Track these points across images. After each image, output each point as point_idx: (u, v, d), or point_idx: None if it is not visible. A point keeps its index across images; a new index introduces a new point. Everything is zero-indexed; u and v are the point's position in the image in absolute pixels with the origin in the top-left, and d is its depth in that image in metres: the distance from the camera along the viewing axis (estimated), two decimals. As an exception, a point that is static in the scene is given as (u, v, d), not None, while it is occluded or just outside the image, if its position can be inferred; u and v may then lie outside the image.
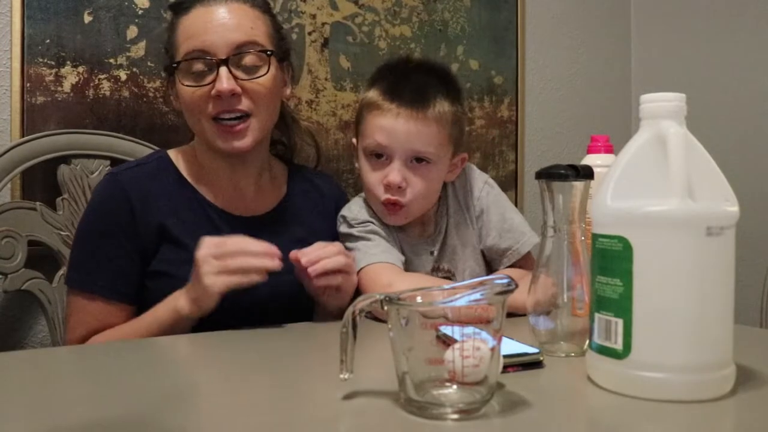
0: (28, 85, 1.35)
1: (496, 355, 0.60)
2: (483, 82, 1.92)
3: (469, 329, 0.57)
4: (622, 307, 0.65)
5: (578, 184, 0.81)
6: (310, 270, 0.96)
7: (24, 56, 1.35)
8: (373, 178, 1.11)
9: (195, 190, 1.12)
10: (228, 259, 0.92)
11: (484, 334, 0.58)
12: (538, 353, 0.76)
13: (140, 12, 1.46)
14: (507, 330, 0.63)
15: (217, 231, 1.07)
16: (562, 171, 0.80)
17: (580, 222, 0.82)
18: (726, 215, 0.64)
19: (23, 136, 1.32)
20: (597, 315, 0.68)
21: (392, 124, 1.07)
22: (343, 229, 1.17)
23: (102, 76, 1.42)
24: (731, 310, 0.65)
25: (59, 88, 1.38)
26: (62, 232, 1.30)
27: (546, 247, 0.82)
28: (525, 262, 1.18)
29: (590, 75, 2.15)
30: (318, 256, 0.98)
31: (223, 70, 1.04)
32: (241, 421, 0.60)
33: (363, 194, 1.18)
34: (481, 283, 0.60)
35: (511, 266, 1.18)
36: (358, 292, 1.05)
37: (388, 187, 1.09)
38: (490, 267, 1.21)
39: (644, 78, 2.20)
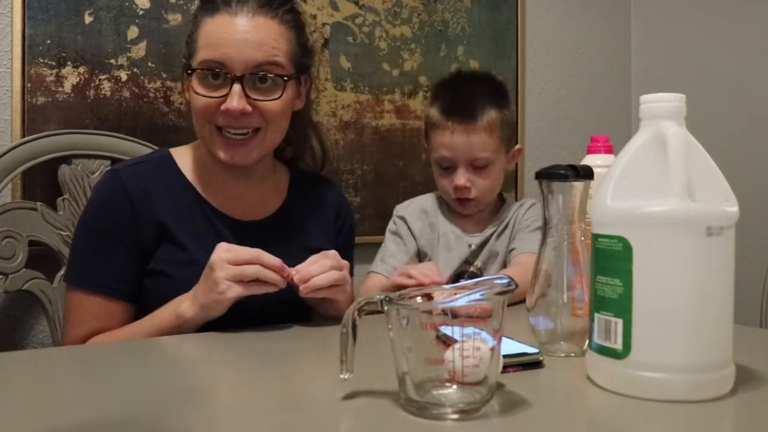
0: (29, 85, 1.36)
1: (496, 355, 0.60)
2: (483, 82, 1.92)
3: (469, 329, 0.57)
4: (621, 307, 0.65)
5: (578, 185, 0.81)
6: (301, 288, 0.96)
7: (25, 57, 1.35)
8: (444, 182, 1.32)
9: (195, 191, 1.12)
10: (244, 266, 0.92)
11: (484, 334, 0.58)
12: (538, 353, 0.76)
13: (141, 12, 1.46)
14: (507, 330, 0.63)
15: (215, 233, 1.07)
16: (562, 171, 0.81)
17: (580, 222, 0.82)
18: (726, 215, 0.64)
19: (24, 137, 1.33)
20: (597, 315, 0.68)
21: (450, 140, 1.27)
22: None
23: (103, 77, 1.42)
24: (731, 310, 0.65)
25: (60, 89, 1.38)
26: (63, 233, 1.30)
27: (546, 247, 0.83)
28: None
29: (590, 75, 2.15)
30: (309, 273, 0.96)
31: (237, 87, 1.02)
32: (241, 421, 0.60)
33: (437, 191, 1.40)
34: (481, 283, 0.61)
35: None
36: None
37: (457, 189, 1.29)
38: None
39: (644, 78, 2.20)
